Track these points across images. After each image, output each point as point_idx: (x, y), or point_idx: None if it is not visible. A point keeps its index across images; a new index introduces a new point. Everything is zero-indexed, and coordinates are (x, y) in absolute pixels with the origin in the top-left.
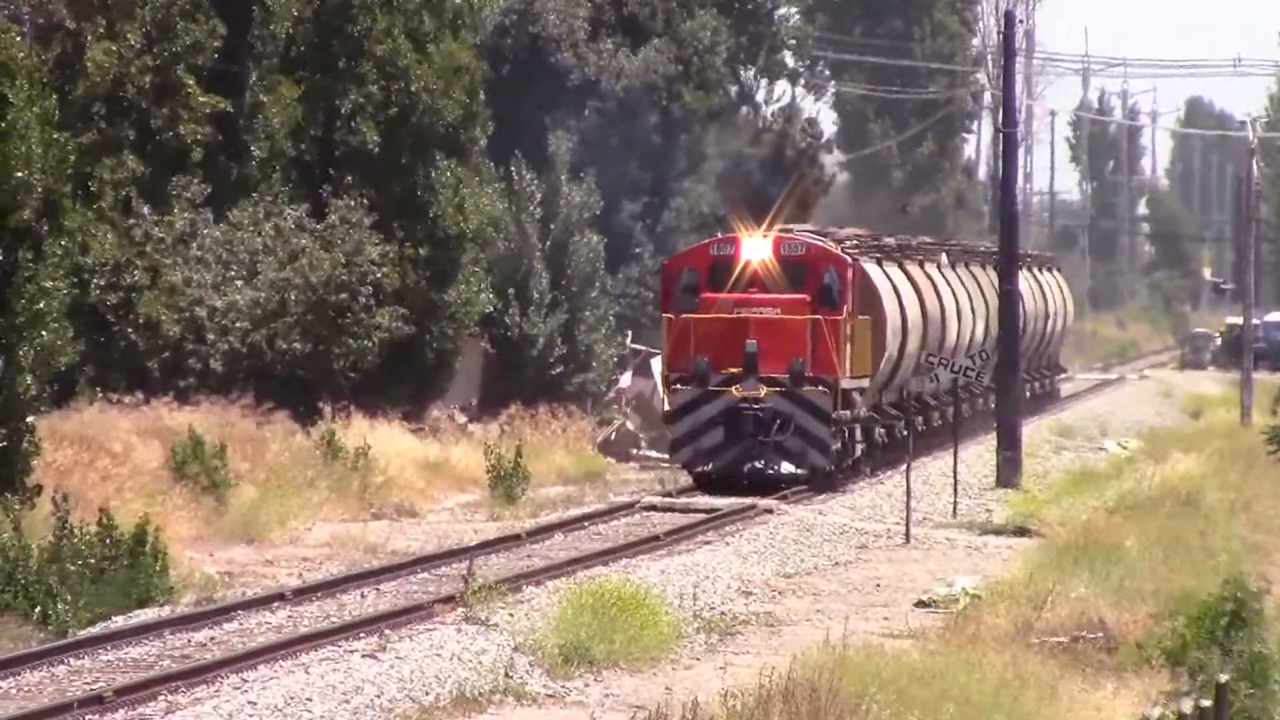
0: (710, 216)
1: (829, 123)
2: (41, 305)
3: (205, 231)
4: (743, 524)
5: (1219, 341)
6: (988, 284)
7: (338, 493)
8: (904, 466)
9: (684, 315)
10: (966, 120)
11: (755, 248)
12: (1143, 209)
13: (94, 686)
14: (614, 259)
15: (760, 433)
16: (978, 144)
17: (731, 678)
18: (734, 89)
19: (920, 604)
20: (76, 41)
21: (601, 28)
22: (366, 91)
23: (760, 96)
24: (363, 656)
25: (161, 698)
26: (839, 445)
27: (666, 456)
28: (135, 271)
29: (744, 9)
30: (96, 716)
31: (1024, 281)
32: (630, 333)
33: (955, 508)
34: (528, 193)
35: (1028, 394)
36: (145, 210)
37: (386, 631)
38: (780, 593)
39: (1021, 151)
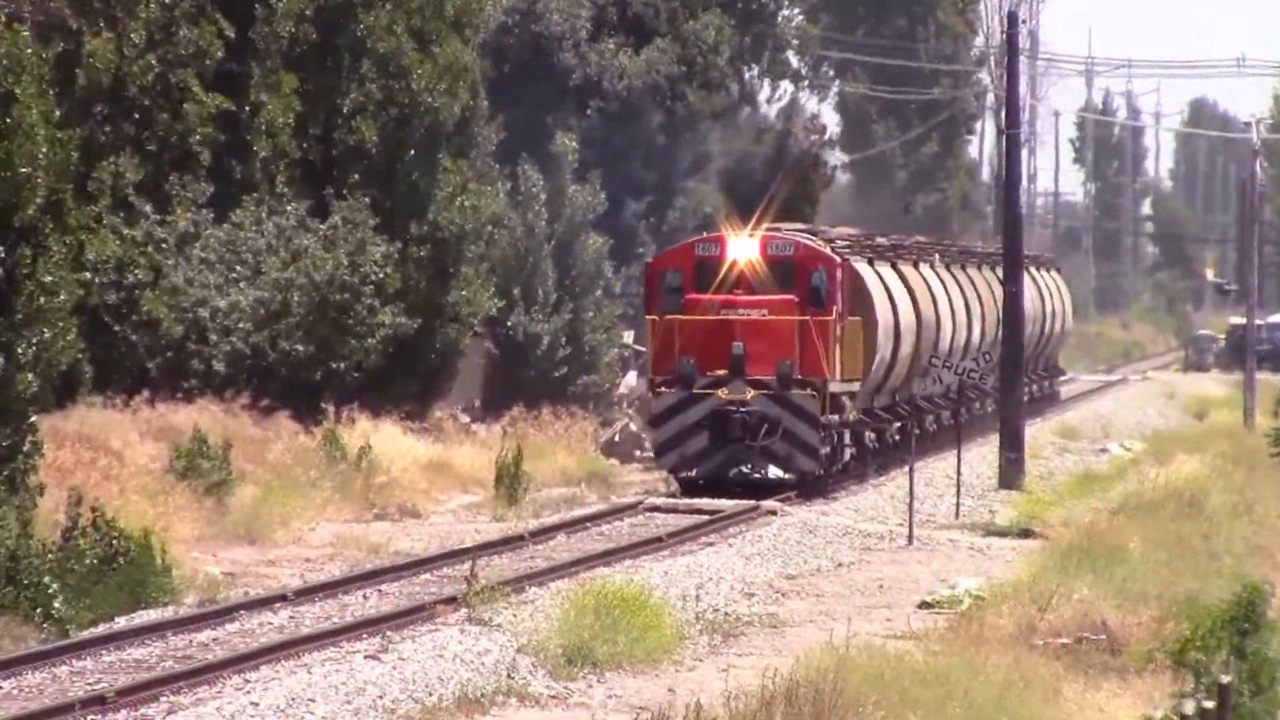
0: (714, 216)
1: (832, 123)
2: (43, 302)
3: (208, 231)
4: (745, 525)
5: (1222, 343)
6: (984, 285)
7: (341, 493)
8: (905, 468)
9: (669, 316)
10: (970, 121)
11: (742, 247)
12: (1146, 210)
13: (96, 687)
14: (617, 259)
15: (747, 437)
16: (981, 145)
17: (734, 679)
18: (736, 88)
19: (923, 605)
20: (77, 40)
21: (604, 27)
22: (367, 90)
23: (763, 96)
24: (365, 657)
25: (163, 698)
26: (828, 450)
27: None
28: (137, 271)
29: (747, 9)
30: (98, 717)
31: (1025, 282)
32: (632, 332)
33: (958, 509)
34: (533, 193)
35: (1026, 396)
36: (148, 210)
37: (389, 632)
38: (783, 594)
39: (1025, 152)
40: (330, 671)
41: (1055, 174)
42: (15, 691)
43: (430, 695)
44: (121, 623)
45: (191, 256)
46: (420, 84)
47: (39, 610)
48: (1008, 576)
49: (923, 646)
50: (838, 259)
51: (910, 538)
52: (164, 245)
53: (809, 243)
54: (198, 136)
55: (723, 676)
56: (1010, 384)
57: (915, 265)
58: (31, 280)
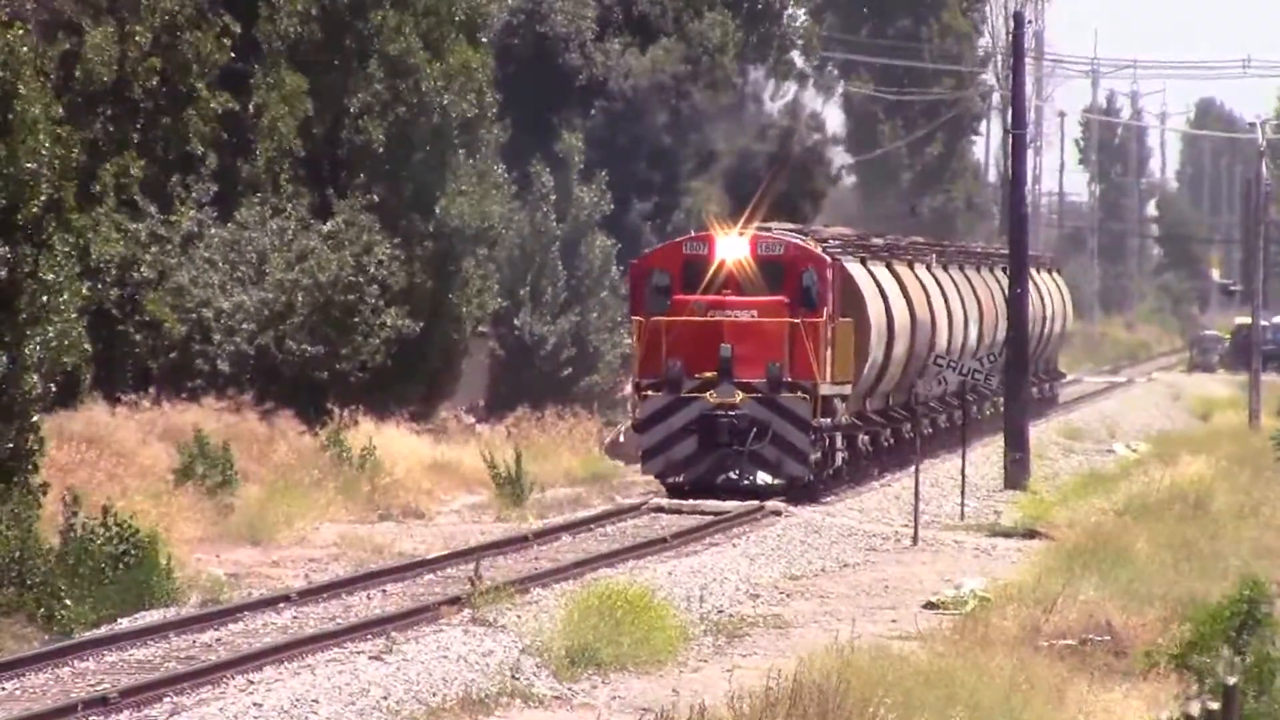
0: (706, 216)
1: (837, 123)
2: (47, 300)
3: (212, 231)
4: (750, 526)
5: (1227, 343)
6: (983, 286)
7: (345, 494)
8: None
9: (655, 318)
10: (975, 121)
11: (731, 247)
12: (1152, 210)
13: (99, 688)
14: (623, 259)
15: (735, 441)
16: (987, 145)
17: (739, 680)
18: (739, 82)
19: (928, 606)
20: (81, 39)
21: (609, 27)
22: (375, 90)
23: (767, 95)
24: (369, 658)
25: (166, 699)
26: (818, 454)
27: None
28: (142, 271)
29: (753, 9)
30: (101, 718)
31: None
32: None
33: (963, 510)
34: (543, 193)
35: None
36: (152, 210)
37: (393, 633)
38: (788, 595)
39: (1030, 153)
40: (334, 672)
41: (1060, 175)
42: (18, 692)
43: (434, 696)
44: (124, 623)
45: (195, 256)
46: (429, 84)
47: (42, 611)
48: (1013, 577)
49: (927, 647)
50: (829, 259)
51: (915, 538)
52: (168, 245)
53: (799, 243)
54: (202, 136)
55: (727, 677)
56: (1016, 384)
57: (910, 266)
58: (35, 279)
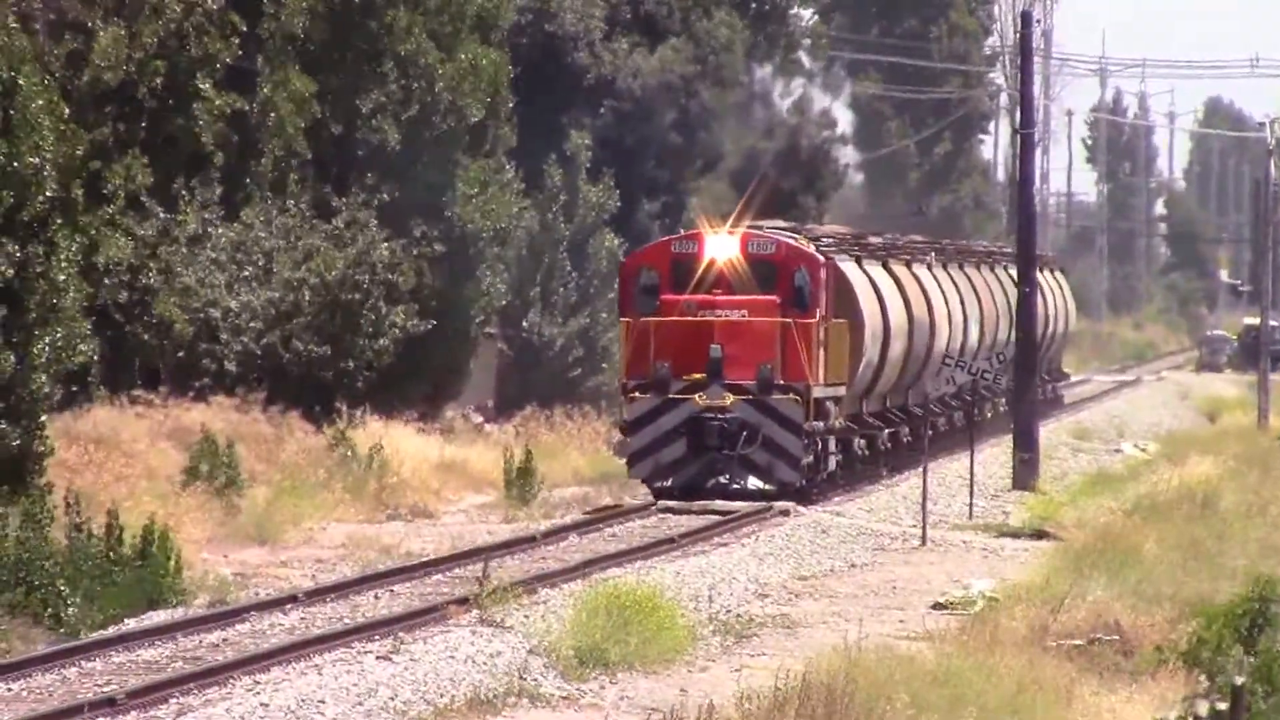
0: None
1: (845, 122)
2: (56, 301)
3: (219, 232)
4: (758, 526)
5: (1235, 343)
6: (984, 286)
7: (352, 494)
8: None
9: (643, 318)
10: (983, 121)
11: (720, 245)
12: (1160, 209)
13: (106, 689)
14: None
15: (725, 445)
16: (995, 144)
17: (747, 680)
18: (745, 80)
19: (936, 606)
20: (88, 39)
21: (617, 27)
22: (388, 90)
23: (776, 94)
24: (377, 658)
25: (173, 700)
26: (810, 458)
27: None
28: (150, 273)
29: (760, 9)
30: (108, 719)
31: None
32: None
33: (971, 510)
34: (553, 192)
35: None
36: (160, 212)
37: (401, 633)
38: (796, 595)
39: (1038, 152)
40: (341, 673)
41: (1068, 174)
42: (25, 693)
43: (442, 696)
44: (131, 624)
45: (202, 256)
46: (441, 84)
47: (49, 612)
48: (1021, 578)
49: (936, 648)
50: (821, 258)
51: (924, 538)
52: (175, 245)
53: (791, 241)
54: (209, 138)
55: (735, 677)
56: (1024, 384)
57: (908, 265)
58: (45, 280)
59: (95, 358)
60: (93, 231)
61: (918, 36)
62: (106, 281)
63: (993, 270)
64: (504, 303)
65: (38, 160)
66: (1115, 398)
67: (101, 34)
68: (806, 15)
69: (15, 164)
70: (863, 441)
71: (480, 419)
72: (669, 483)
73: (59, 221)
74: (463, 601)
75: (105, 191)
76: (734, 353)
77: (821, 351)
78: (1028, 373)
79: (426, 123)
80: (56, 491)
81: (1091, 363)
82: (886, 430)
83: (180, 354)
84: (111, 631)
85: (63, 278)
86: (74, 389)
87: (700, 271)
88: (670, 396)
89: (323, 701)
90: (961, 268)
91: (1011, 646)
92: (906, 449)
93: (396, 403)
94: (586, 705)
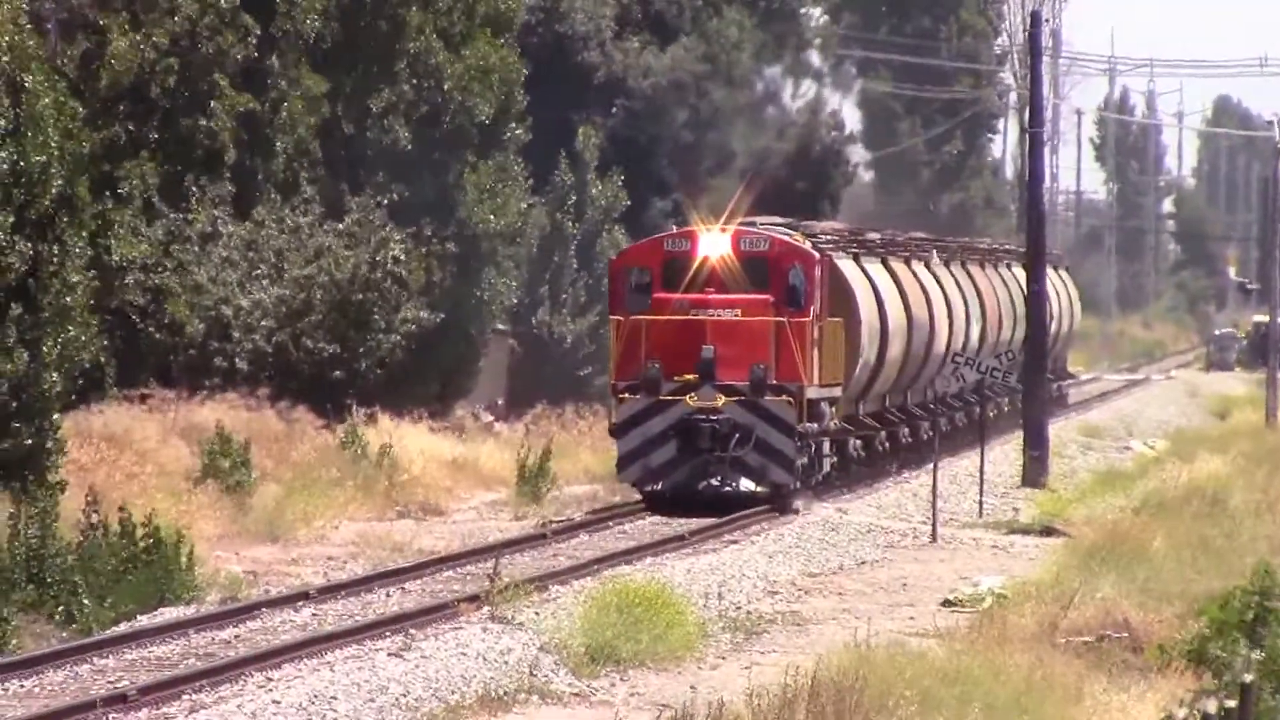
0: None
1: (855, 121)
2: (67, 300)
3: (229, 230)
4: (768, 523)
5: (1244, 341)
6: (986, 284)
7: (363, 491)
8: (928, 466)
9: (634, 317)
10: (992, 119)
11: (713, 243)
12: (1169, 208)
13: (118, 685)
14: None
15: (717, 447)
16: (1004, 143)
17: (757, 677)
18: (760, 86)
19: (946, 603)
20: (101, 39)
21: (628, 26)
22: (399, 90)
23: (787, 94)
24: (388, 655)
25: (185, 697)
26: (805, 460)
27: None
28: (163, 272)
29: (769, 7)
30: (120, 715)
31: (1022, 280)
32: None
33: (981, 507)
34: (562, 191)
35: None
36: (170, 212)
37: (412, 630)
38: (806, 592)
39: (1047, 151)
40: (353, 669)
41: (1078, 173)
42: (38, 689)
43: (453, 693)
44: (144, 621)
45: (213, 255)
46: (451, 83)
47: (61, 609)
48: (1030, 575)
49: (945, 645)
50: (817, 255)
51: (933, 535)
52: (188, 243)
53: (785, 238)
54: (225, 137)
55: (745, 674)
56: (1034, 382)
57: (908, 263)
58: (57, 278)
59: (103, 358)
60: (106, 230)
61: (927, 35)
62: (119, 281)
63: (995, 268)
64: (514, 301)
65: (44, 159)
66: (1124, 396)
67: (115, 36)
68: (816, 14)
69: (22, 163)
70: (859, 443)
71: (491, 417)
72: (659, 486)
73: (66, 220)
74: (474, 599)
75: (120, 192)
76: (726, 353)
77: (816, 351)
78: (1038, 371)
79: (436, 122)
80: (71, 489)
81: (1101, 361)
82: (885, 431)
83: (192, 352)
84: (124, 628)
85: (75, 278)
86: (84, 386)
87: (693, 269)
88: (661, 397)
89: (334, 698)
90: (964, 265)
91: (1021, 643)
92: (906, 450)
93: (407, 401)
94: (597, 702)
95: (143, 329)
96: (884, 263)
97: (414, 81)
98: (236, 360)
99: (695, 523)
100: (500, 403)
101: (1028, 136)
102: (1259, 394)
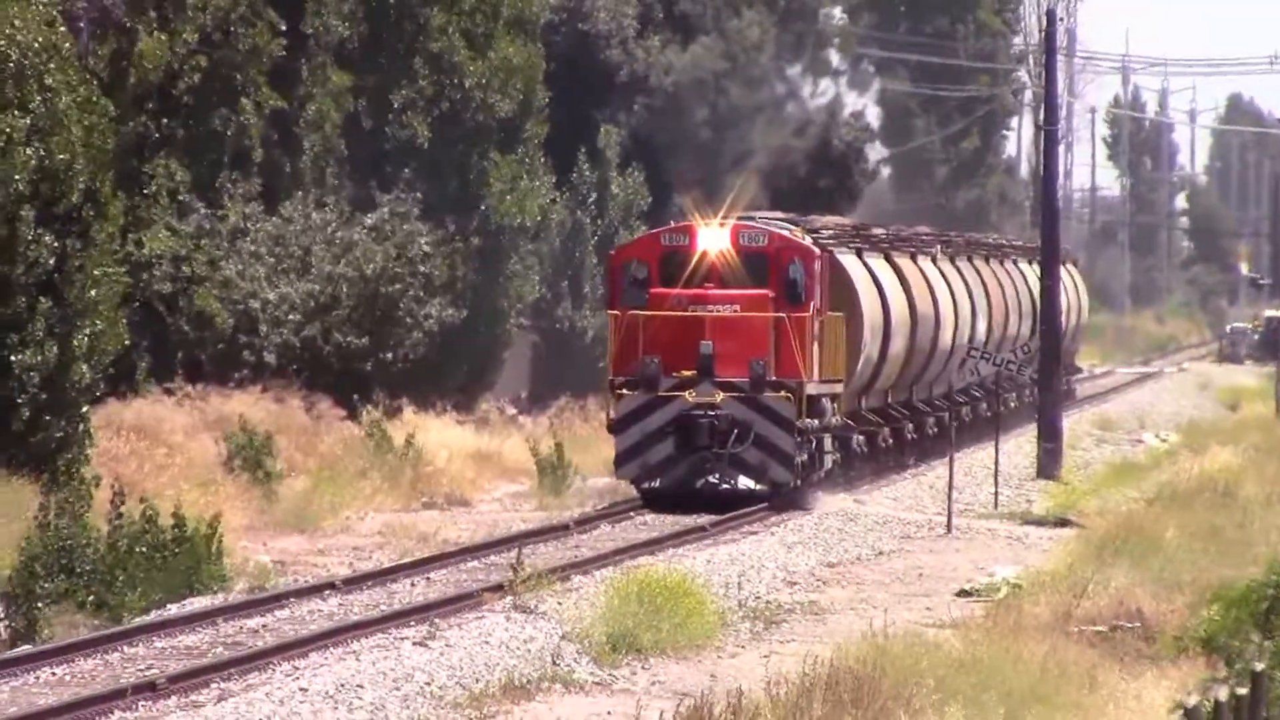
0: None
1: (873, 118)
2: (94, 294)
3: (257, 226)
4: (787, 514)
5: (1254, 335)
6: (992, 279)
7: (389, 483)
8: (945, 458)
9: (632, 312)
10: (1008, 117)
11: (711, 237)
12: (1181, 203)
13: (147, 673)
14: None
15: (715, 444)
16: (1018, 140)
17: (776, 666)
18: (780, 85)
19: (962, 593)
20: (131, 38)
21: (649, 25)
22: (419, 87)
23: (806, 92)
24: (413, 644)
25: (214, 684)
26: (804, 457)
27: None
28: (193, 265)
29: (789, 7)
30: (150, 703)
31: (1033, 275)
32: None
33: (996, 499)
34: (586, 187)
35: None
36: (200, 207)
37: (436, 619)
38: (824, 582)
39: (1062, 148)
40: (379, 658)
41: (1092, 170)
42: (69, 677)
43: (477, 681)
44: (173, 610)
45: (242, 250)
46: (472, 81)
47: (92, 598)
48: (1045, 565)
49: (961, 634)
50: (817, 250)
51: (949, 527)
52: (217, 239)
53: (785, 233)
54: (254, 134)
55: (764, 663)
56: (1048, 375)
57: (913, 258)
58: (83, 272)
59: (138, 350)
60: (137, 226)
61: (945, 35)
62: (151, 274)
63: (1002, 263)
64: (536, 296)
65: (67, 156)
66: (1137, 389)
67: (144, 35)
68: (836, 14)
69: (48, 161)
70: (862, 439)
71: (514, 410)
72: (657, 484)
73: (93, 215)
74: (497, 588)
75: (148, 191)
76: (725, 349)
77: (816, 347)
78: (1052, 364)
79: (457, 119)
80: (101, 480)
81: (1114, 355)
82: (889, 427)
83: (221, 346)
84: (153, 617)
85: (97, 271)
86: (115, 379)
87: (692, 264)
88: (659, 394)
89: (360, 686)
90: (970, 260)
91: (1035, 633)
92: (910, 446)
93: (432, 394)
94: (619, 690)
95: (172, 322)
96: (887, 258)
97: (435, 78)
98: (265, 354)
99: (716, 514)
100: (523, 396)
101: (1042, 134)
102: (1269, 387)
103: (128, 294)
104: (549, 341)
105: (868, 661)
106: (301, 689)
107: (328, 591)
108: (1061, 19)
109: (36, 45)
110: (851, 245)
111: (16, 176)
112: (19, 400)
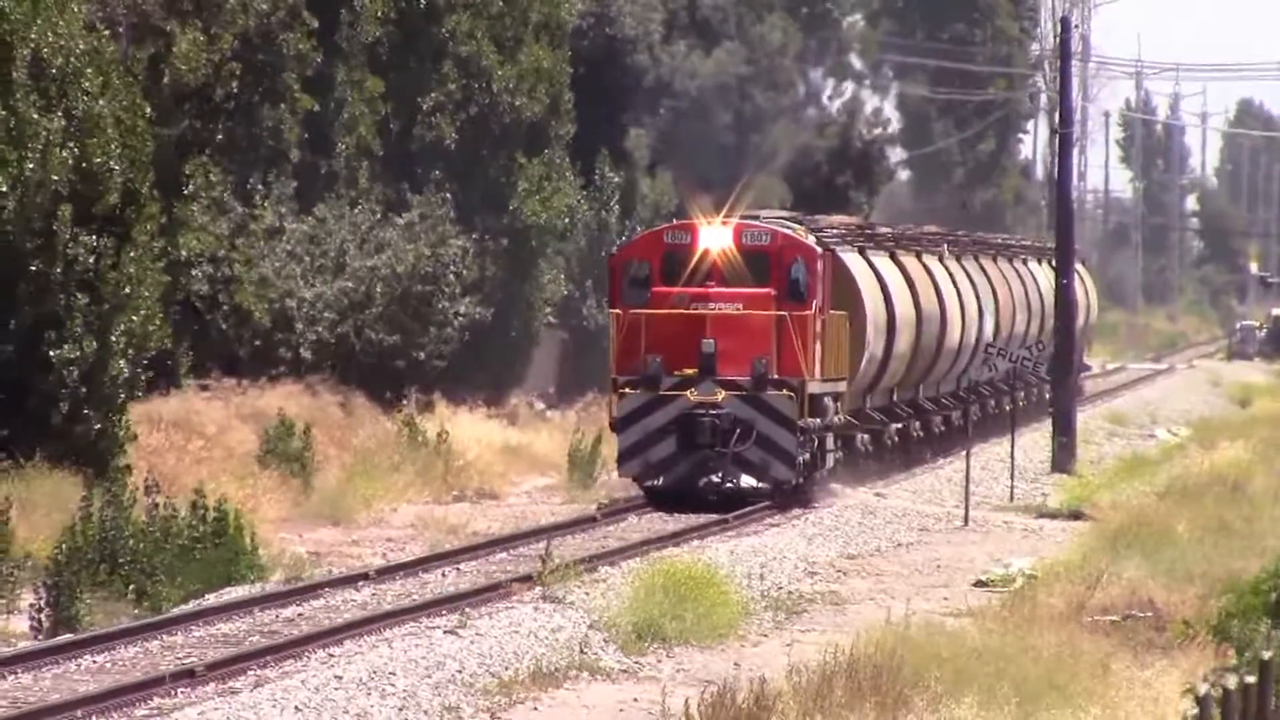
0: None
1: (893, 121)
2: (129, 291)
3: (293, 226)
4: (808, 507)
5: (1263, 333)
6: (1000, 278)
7: (421, 476)
8: (963, 453)
9: (634, 311)
10: (1024, 121)
11: (714, 236)
12: (1192, 205)
13: (186, 661)
14: None
15: (717, 442)
16: (1034, 143)
17: (797, 654)
18: (802, 88)
19: (978, 584)
20: (169, 42)
21: (675, 30)
22: (448, 90)
23: (827, 95)
24: (444, 633)
25: (251, 672)
26: (806, 456)
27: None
28: (232, 265)
29: (812, 13)
30: (188, 690)
31: (1041, 274)
32: None
33: (1012, 492)
34: (610, 189)
35: (1047, 397)
36: (238, 207)
37: (467, 609)
38: (844, 573)
39: (1076, 151)
40: (410, 646)
41: (1105, 172)
42: (109, 665)
43: (506, 669)
44: (211, 599)
45: (278, 249)
46: (500, 85)
47: (132, 588)
48: (1059, 556)
49: (978, 624)
50: (819, 249)
51: (966, 519)
52: (253, 239)
53: (787, 232)
54: (291, 137)
55: (786, 652)
56: (1063, 371)
57: (919, 257)
58: (118, 270)
59: (179, 346)
60: (176, 225)
61: (963, 41)
62: (188, 274)
63: (1010, 263)
64: (563, 294)
65: (103, 159)
66: (1149, 385)
67: (181, 39)
68: (857, 21)
69: (85, 163)
70: (867, 437)
71: (543, 405)
72: (659, 482)
73: (133, 215)
74: (526, 579)
75: (186, 192)
76: (727, 347)
77: (818, 345)
78: (1066, 361)
79: (484, 122)
80: (138, 473)
81: (1127, 351)
82: (894, 426)
83: (258, 343)
84: (191, 606)
85: (132, 269)
86: (156, 374)
87: (693, 263)
88: (661, 393)
89: (393, 673)
90: (978, 260)
91: (1050, 622)
92: (917, 445)
93: (463, 389)
94: (644, 678)
95: (211, 319)
96: (893, 257)
97: (463, 82)
98: (300, 350)
99: (738, 507)
100: (552, 391)
101: (1057, 137)
102: (1278, 384)
103: (168, 293)
104: (576, 339)
105: (887, 650)
106: (336, 676)
107: (361, 582)
108: (1076, 25)
109: (79, 49)
110: (856, 244)
111: (55, 177)
112: (59, 395)
